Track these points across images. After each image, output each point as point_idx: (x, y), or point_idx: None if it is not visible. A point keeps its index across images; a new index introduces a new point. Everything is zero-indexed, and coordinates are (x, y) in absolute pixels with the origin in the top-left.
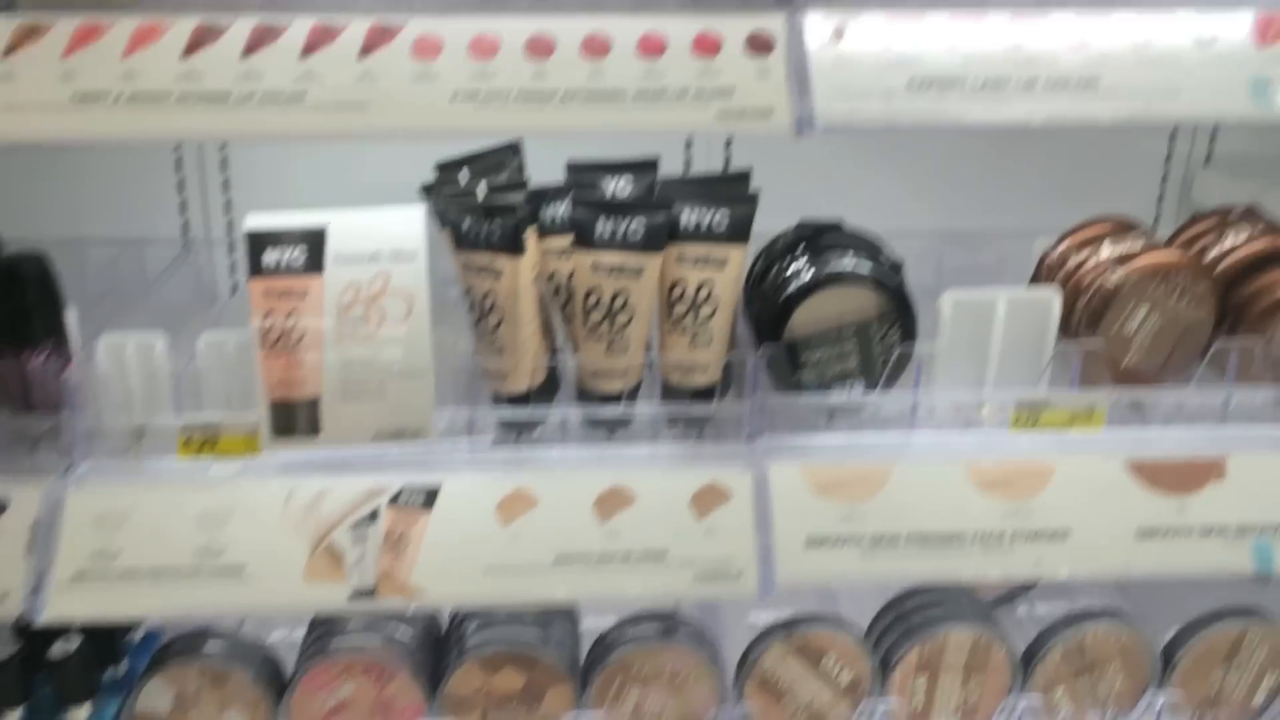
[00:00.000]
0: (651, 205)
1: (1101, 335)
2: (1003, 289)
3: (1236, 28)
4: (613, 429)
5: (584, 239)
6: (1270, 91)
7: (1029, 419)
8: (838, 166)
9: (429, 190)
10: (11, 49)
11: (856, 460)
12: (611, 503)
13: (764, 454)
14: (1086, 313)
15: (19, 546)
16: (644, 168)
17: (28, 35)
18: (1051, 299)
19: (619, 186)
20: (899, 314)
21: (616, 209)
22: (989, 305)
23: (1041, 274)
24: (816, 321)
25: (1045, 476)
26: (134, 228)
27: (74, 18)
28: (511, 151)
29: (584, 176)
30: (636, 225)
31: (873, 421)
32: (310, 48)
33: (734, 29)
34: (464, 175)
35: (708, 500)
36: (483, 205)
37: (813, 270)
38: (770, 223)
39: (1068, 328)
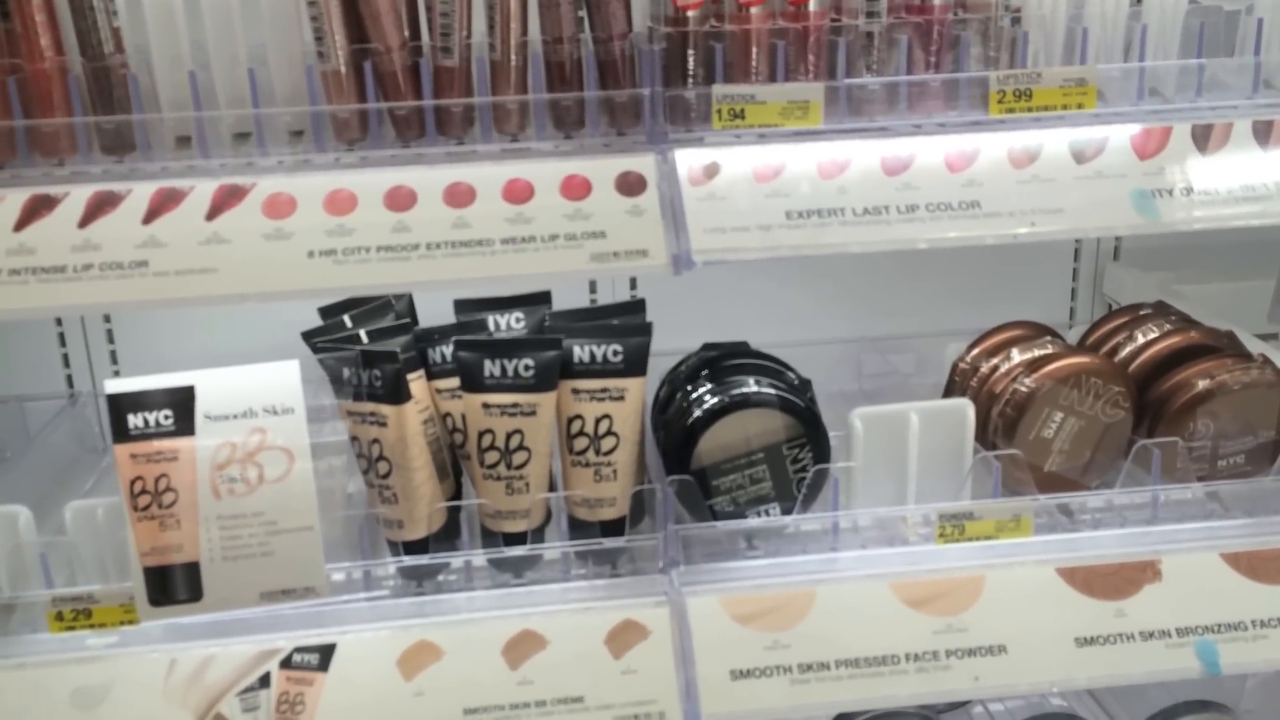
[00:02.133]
0: (540, 343)
1: (1019, 442)
2: (913, 403)
3: (1116, 142)
4: (520, 570)
5: (472, 381)
6: (1153, 203)
7: (955, 531)
8: (744, 284)
9: (310, 336)
10: None
11: (779, 585)
12: (522, 648)
13: (681, 586)
14: (1002, 420)
15: None
16: (535, 301)
17: None
18: (965, 409)
19: (510, 322)
20: (809, 433)
21: (504, 349)
22: (901, 419)
23: (954, 381)
24: (724, 447)
25: (976, 589)
26: (16, 383)
27: None
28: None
29: (473, 314)
30: (527, 364)
31: (794, 543)
32: (153, 213)
33: (603, 170)
34: (347, 320)
35: (624, 638)
36: (361, 354)
37: (717, 395)
38: (678, 342)
39: (984, 436)
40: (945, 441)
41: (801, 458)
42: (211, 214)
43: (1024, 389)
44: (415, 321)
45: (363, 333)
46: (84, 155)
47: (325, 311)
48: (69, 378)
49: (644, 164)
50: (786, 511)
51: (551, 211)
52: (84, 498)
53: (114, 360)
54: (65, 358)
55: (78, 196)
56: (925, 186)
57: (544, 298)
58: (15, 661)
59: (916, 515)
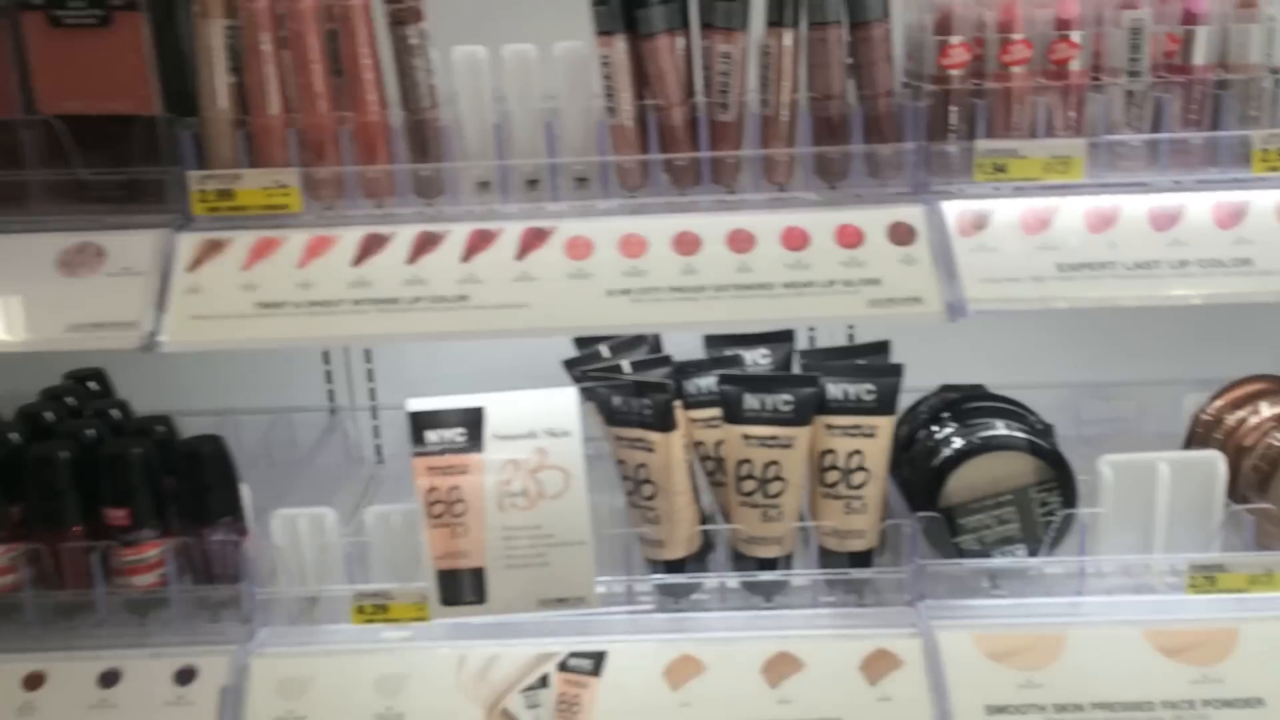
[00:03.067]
0: (799, 380)
1: (1272, 496)
2: (1163, 453)
3: None
4: (770, 593)
5: (734, 413)
6: None
7: (1206, 582)
8: (958, 326)
9: (571, 365)
10: (197, 263)
11: (1027, 625)
12: (780, 668)
13: (930, 619)
14: (1256, 474)
15: (209, 712)
16: (779, 338)
17: (210, 250)
18: (1216, 461)
19: (756, 358)
20: (1058, 478)
21: (765, 384)
22: (1149, 468)
23: (1196, 433)
24: (972, 487)
25: (1230, 641)
26: (282, 397)
27: (251, 232)
28: None
29: (721, 349)
30: (787, 399)
31: (1037, 585)
32: (470, 252)
33: (873, 220)
34: (604, 350)
35: (878, 666)
36: (633, 383)
37: (966, 436)
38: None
39: (1232, 488)
40: (1195, 492)
41: (1050, 501)
42: (521, 253)
43: (1277, 444)
44: (660, 353)
45: (625, 363)
46: (400, 198)
47: (580, 342)
48: (330, 392)
49: (913, 214)
50: (1032, 553)
51: (828, 258)
52: (357, 504)
53: (370, 378)
54: (328, 374)
55: (404, 236)
56: (1195, 242)
57: (787, 335)
58: (324, 649)
59: (1164, 564)
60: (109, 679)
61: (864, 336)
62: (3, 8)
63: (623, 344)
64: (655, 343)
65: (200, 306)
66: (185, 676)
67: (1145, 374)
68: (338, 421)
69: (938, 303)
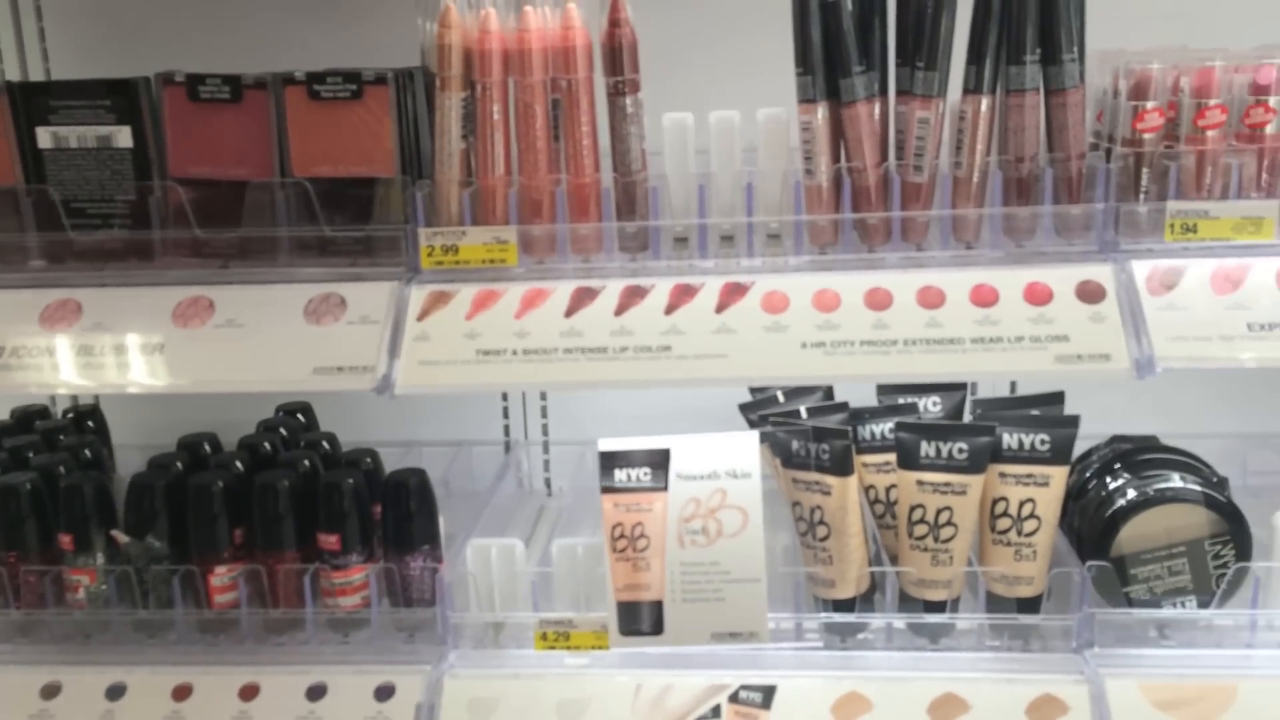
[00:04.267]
0: (974, 429)
1: None
2: None
3: None
4: (936, 636)
5: (909, 459)
6: None
7: None
8: None
9: (747, 409)
10: (425, 313)
11: (1196, 675)
12: (946, 709)
13: (1097, 666)
14: None
15: None
16: (952, 388)
17: (437, 301)
18: None
19: (928, 405)
20: (1233, 531)
21: (941, 432)
22: None
23: None
24: (1144, 537)
25: None
26: (460, 430)
27: (474, 285)
28: None
29: (893, 395)
30: (961, 447)
31: (1207, 636)
32: (672, 306)
33: (1062, 279)
34: (780, 395)
35: (1045, 710)
36: (812, 429)
37: (1140, 487)
38: None
39: None
40: None
41: (1224, 554)
42: (720, 307)
43: None
44: (832, 399)
45: (802, 409)
46: (607, 253)
47: (754, 388)
48: (505, 427)
49: (1101, 273)
50: (1203, 605)
51: (1016, 315)
52: (530, 534)
53: (543, 414)
54: (505, 410)
55: (612, 289)
56: None
57: (959, 385)
58: (510, 672)
59: None
60: (316, 693)
61: (1027, 386)
62: (269, 82)
63: (796, 390)
64: (829, 389)
65: (428, 353)
66: (384, 693)
67: None
68: (513, 456)
69: (1126, 359)
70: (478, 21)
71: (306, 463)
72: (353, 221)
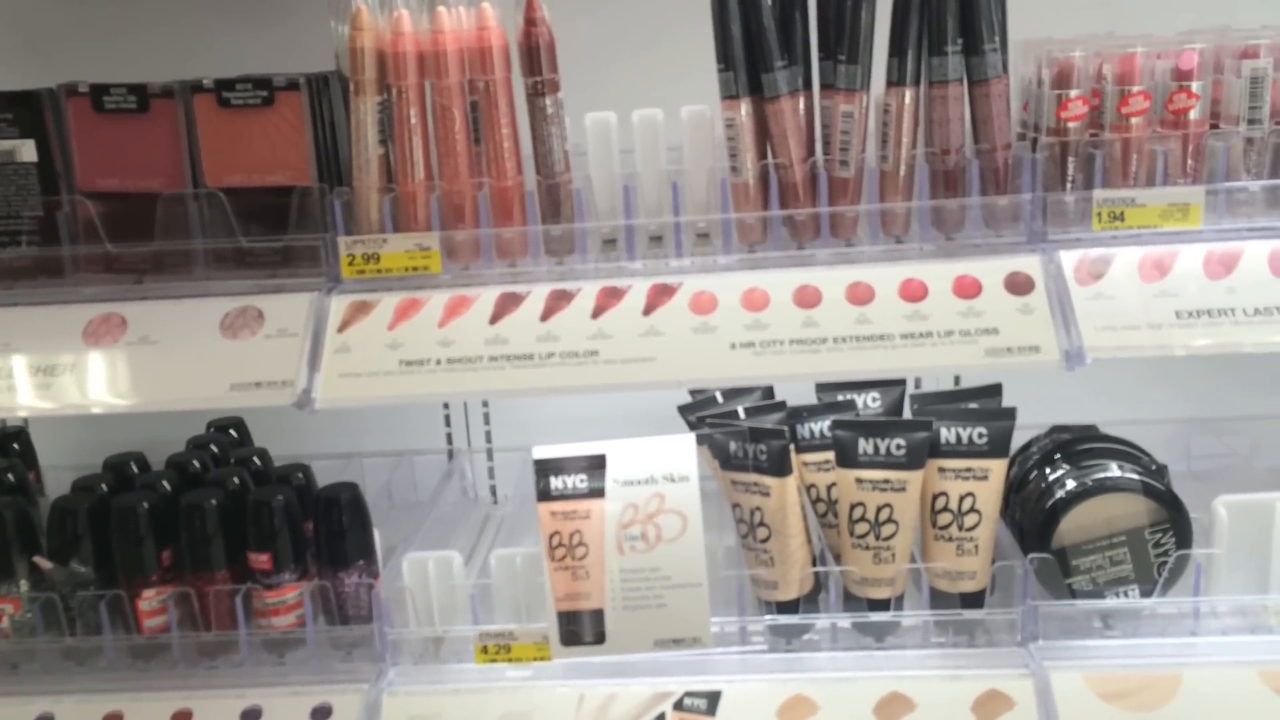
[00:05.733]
0: (912, 425)
1: None
2: (1278, 493)
3: None
4: (881, 634)
5: (847, 457)
6: None
7: None
8: None
9: (686, 410)
10: (346, 324)
11: (1140, 665)
12: (892, 709)
13: (1042, 659)
14: None
15: None
16: (890, 383)
17: (358, 311)
18: None
19: (867, 402)
20: (1173, 519)
21: (879, 429)
22: (1268, 508)
23: None
24: (1084, 528)
25: None
26: (402, 440)
27: (396, 294)
28: None
29: (833, 393)
30: (899, 444)
31: (1151, 625)
32: (599, 309)
33: (990, 271)
34: (719, 396)
35: (991, 706)
36: (749, 429)
37: (1080, 478)
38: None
39: None
40: None
41: (1164, 542)
42: (647, 309)
43: None
44: (772, 398)
45: (740, 409)
46: (533, 258)
47: (693, 389)
48: (448, 435)
49: (1030, 264)
50: (1146, 594)
51: (945, 309)
52: (474, 545)
53: (486, 421)
54: (447, 418)
55: (537, 294)
56: None
57: (898, 380)
58: (450, 687)
59: (1278, 604)
60: (250, 716)
61: (970, 380)
62: (177, 91)
63: (735, 390)
64: (768, 389)
65: (349, 365)
66: (321, 714)
67: (1256, 409)
68: (456, 464)
69: (1055, 351)
70: (390, 23)
71: (236, 480)
72: (270, 232)
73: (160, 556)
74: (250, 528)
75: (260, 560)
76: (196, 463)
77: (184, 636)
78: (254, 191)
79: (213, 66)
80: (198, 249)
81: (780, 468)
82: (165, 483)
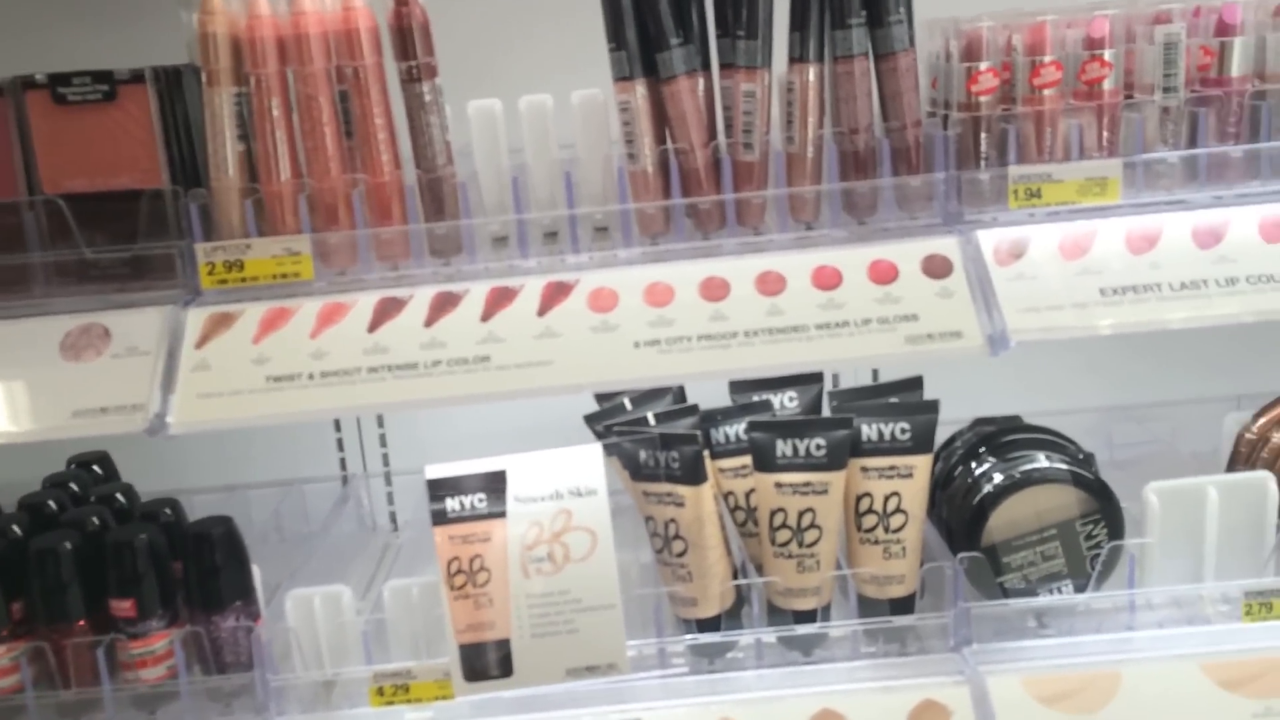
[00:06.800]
0: (831, 423)
1: None
2: (1210, 477)
3: None
4: (809, 648)
5: (765, 461)
6: None
7: (1262, 609)
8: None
9: (592, 419)
10: (205, 339)
11: (1078, 665)
12: None
13: (977, 664)
14: None
15: None
16: (808, 380)
17: (219, 324)
18: (1266, 482)
19: (784, 401)
20: (1103, 509)
21: (796, 429)
22: (1198, 493)
23: (1239, 452)
24: (1015, 523)
25: None
26: (292, 468)
27: (262, 304)
28: None
29: (747, 394)
30: (819, 444)
31: (1087, 621)
32: (489, 311)
33: (907, 254)
34: (627, 402)
35: (927, 718)
36: (659, 435)
37: (1006, 471)
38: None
39: None
40: (1244, 516)
41: (1096, 534)
42: (543, 309)
43: None
44: (684, 402)
45: (650, 415)
46: (416, 259)
47: (601, 396)
48: (342, 460)
49: (947, 246)
50: (1079, 589)
51: (862, 296)
52: (373, 577)
53: (383, 443)
54: (339, 442)
55: (421, 298)
56: (1242, 259)
57: (816, 377)
58: None
59: (1216, 592)
60: None
61: (889, 374)
62: (6, 87)
63: (645, 395)
64: (680, 393)
65: (209, 384)
66: None
67: (1172, 394)
68: (351, 490)
69: (978, 336)
70: (246, 6)
71: (95, 519)
72: (117, 241)
73: (10, 609)
74: (110, 571)
75: (123, 607)
76: (53, 502)
77: (40, 696)
78: (98, 197)
79: (50, 65)
80: (35, 263)
81: (694, 475)
82: (15, 526)
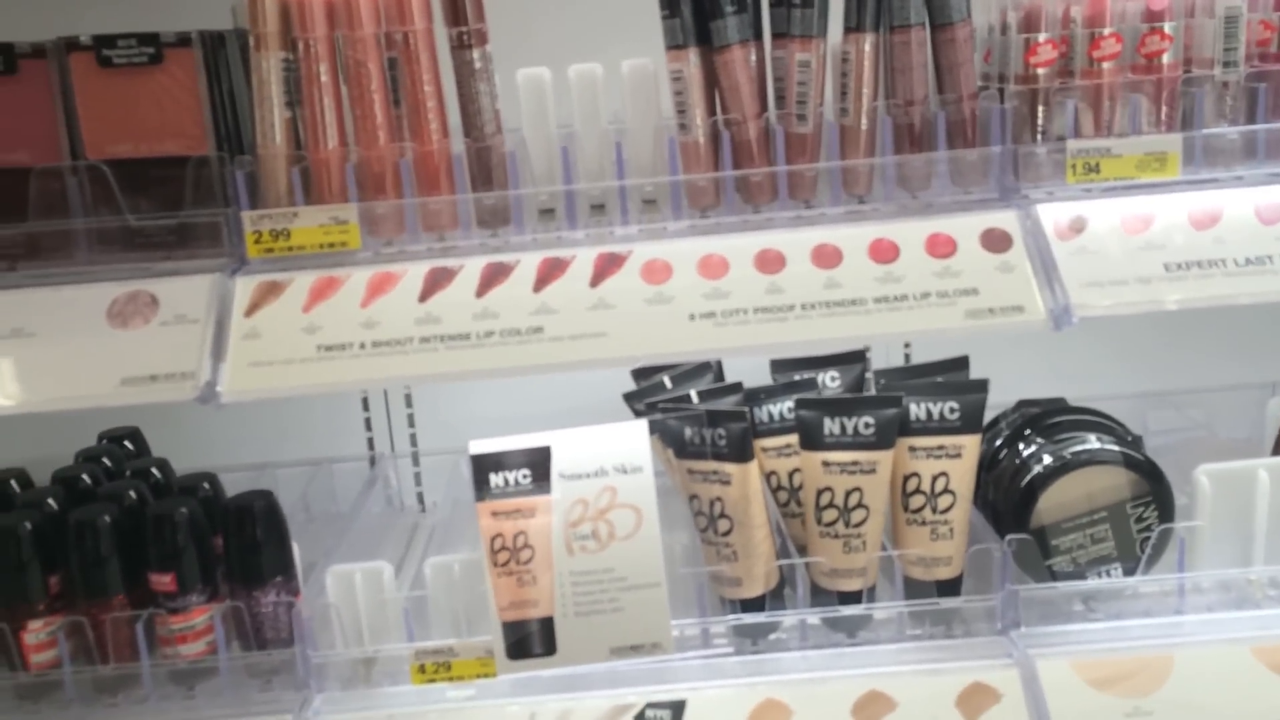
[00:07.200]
0: (880, 401)
1: None
2: (1262, 460)
3: None
4: (854, 629)
5: (812, 439)
6: None
7: None
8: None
9: (632, 398)
10: (254, 307)
11: (1128, 648)
12: (872, 709)
13: (1026, 647)
14: None
15: None
16: (850, 359)
17: (268, 293)
18: None
19: (826, 380)
20: (1154, 491)
21: (845, 407)
22: (1249, 476)
23: None
24: (1064, 506)
25: None
26: (320, 447)
27: (311, 273)
28: None
29: (789, 373)
30: (868, 422)
31: (1135, 605)
32: (542, 282)
33: (965, 227)
34: (667, 381)
35: (976, 701)
36: (706, 412)
37: (1056, 452)
38: None
39: None
40: None
41: (1146, 516)
42: (595, 280)
43: None
44: (723, 380)
45: (692, 393)
46: (463, 230)
47: (639, 374)
48: (369, 440)
49: (1006, 220)
50: (1129, 572)
51: (920, 269)
52: (403, 556)
53: (411, 423)
54: (367, 421)
55: (471, 268)
56: None
57: (858, 356)
58: (385, 713)
59: (1264, 576)
60: None
61: (921, 354)
62: (50, 49)
63: (685, 373)
64: (719, 370)
65: (260, 353)
66: None
67: (1206, 381)
68: (379, 470)
69: (1041, 311)
70: None
71: (132, 493)
72: (163, 208)
73: (47, 583)
74: (150, 545)
75: (163, 582)
76: (86, 477)
77: (78, 671)
78: (142, 163)
79: (91, 27)
80: (78, 229)
81: (742, 453)
82: (51, 500)
